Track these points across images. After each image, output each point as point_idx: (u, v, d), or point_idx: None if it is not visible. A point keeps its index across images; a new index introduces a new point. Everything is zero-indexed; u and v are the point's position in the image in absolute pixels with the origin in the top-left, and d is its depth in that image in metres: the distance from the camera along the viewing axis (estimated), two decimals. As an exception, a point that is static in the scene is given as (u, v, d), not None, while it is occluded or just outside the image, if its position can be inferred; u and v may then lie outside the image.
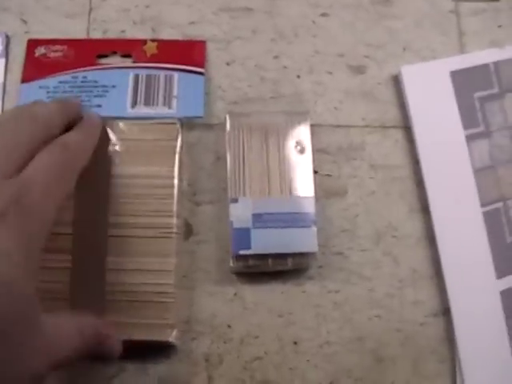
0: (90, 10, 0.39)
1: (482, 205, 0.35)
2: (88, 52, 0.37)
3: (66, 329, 0.26)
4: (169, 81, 0.36)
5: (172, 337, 0.31)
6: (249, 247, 0.32)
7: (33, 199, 0.25)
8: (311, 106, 0.37)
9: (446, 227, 0.35)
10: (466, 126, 0.37)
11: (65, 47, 0.37)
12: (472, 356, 0.33)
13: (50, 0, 0.39)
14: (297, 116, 0.35)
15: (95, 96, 0.36)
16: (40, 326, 0.24)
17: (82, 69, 0.37)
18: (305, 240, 0.33)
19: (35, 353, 0.23)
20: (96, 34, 0.38)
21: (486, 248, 0.35)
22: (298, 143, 0.35)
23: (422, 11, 0.40)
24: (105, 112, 0.35)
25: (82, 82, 0.36)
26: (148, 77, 0.36)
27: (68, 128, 0.30)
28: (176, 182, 0.33)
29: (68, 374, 0.32)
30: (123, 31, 0.38)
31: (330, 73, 0.38)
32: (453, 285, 0.34)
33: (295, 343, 0.33)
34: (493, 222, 0.35)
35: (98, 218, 0.32)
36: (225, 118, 0.35)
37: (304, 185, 0.34)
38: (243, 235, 0.33)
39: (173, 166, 0.34)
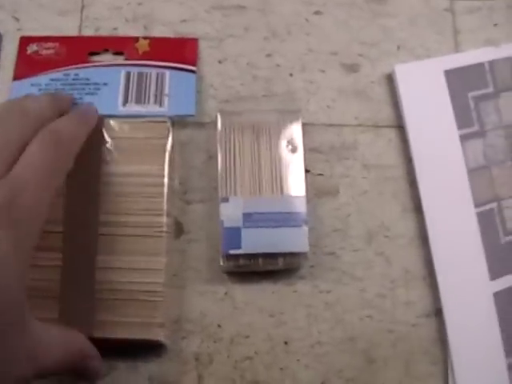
0: (83, 7, 0.39)
1: (476, 205, 0.35)
2: (80, 49, 0.37)
3: (53, 337, 0.26)
4: (160, 79, 0.36)
5: (161, 336, 0.31)
6: (239, 247, 0.32)
7: (25, 199, 0.25)
8: (304, 105, 0.37)
9: (439, 227, 0.35)
10: (460, 126, 0.36)
11: (57, 44, 0.37)
12: (464, 357, 0.33)
13: (43, -3, 0.39)
14: (289, 115, 0.35)
15: (87, 93, 0.36)
16: (28, 330, 0.24)
17: (73, 66, 0.37)
18: (296, 240, 0.33)
19: (22, 355, 0.23)
20: (88, 32, 0.38)
21: (480, 249, 0.34)
22: (289, 142, 0.34)
23: (417, 9, 0.39)
24: (96, 110, 0.35)
25: (74, 79, 0.36)
26: (140, 74, 0.36)
27: None
28: (166, 180, 0.33)
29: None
30: (115, 29, 0.38)
31: (323, 71, 0.38)
32: (445, 286, 0.34)
33: (286, 343, 0.33)
34: (486, 222, 0.35)
35: (89, 217, 0.32)
36: (216, 117, 0.35)
37: (295, 184, 0.34)
38: (233, 234, 0.32)
39: (163, 165, 0.33)
